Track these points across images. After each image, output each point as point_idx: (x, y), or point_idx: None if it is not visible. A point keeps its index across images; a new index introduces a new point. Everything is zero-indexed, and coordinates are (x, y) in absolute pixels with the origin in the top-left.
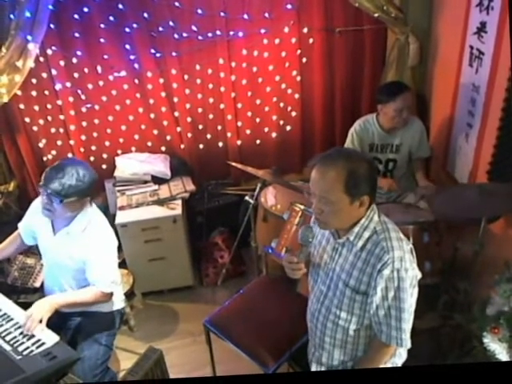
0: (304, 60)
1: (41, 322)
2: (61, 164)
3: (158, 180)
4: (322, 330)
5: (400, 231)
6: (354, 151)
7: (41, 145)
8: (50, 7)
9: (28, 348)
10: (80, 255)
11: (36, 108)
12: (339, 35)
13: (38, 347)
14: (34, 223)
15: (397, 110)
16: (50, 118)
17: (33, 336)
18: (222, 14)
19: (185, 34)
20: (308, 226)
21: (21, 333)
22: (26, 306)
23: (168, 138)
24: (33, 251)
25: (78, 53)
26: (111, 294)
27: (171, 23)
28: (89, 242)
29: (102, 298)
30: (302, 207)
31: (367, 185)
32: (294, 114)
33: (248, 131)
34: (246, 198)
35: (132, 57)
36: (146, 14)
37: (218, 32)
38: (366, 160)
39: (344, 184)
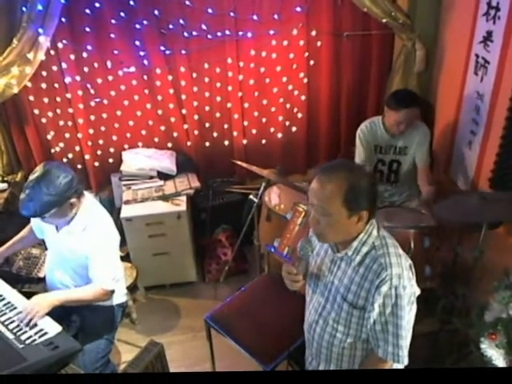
0: (311, 62)
1: (33, 319)
2: (28, 183)
3: (163, 176)
4: (318, 341)
5: (399, 247)
6: (357, 165)
7: (49, 137)
8: (62, 1)
9: (31, 337)
10: (82, 252)
11: (45, 100)
12: (347, 39)
13: (40, 336)
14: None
15: (396, 121)
16: (58, 111)
17: (36, 325)
18: (231, 13)
19: (194, 33)
20: (307, 238)
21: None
22: (29, 295)
23: (175, 134)
24: (38, 242)
25: (89, 47)
26: (112, 292)
27: (181, 21)
28: (89, 241)
29: (102, 296)
30: (306, 208)
31: (367, 200)
32: (300, 115)
33: (254, 131)
34: (250, 196)
35: (141, 53)
36: (156, 12)
37: (228, 32)
38: (368, 174)
39: (343, 197)
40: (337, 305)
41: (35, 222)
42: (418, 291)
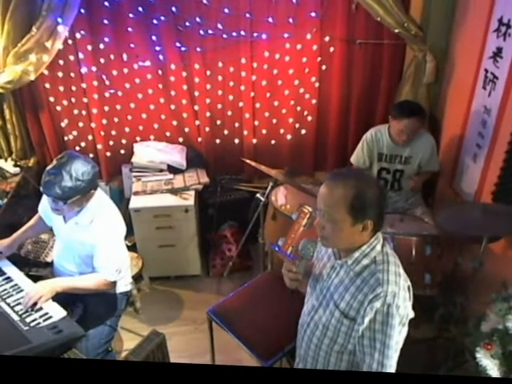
0: (323, 67)
1: (36, 304)
2: (57, 165)
3: (173, 170)
4: (307, 343)
5: (401, 266)
6: (368, 174)
7: (63, 124)
8: None
9: (35, 320)
10: (89, 243)
11: (61, 89)
12: (359, 47)
13: (45, 320)
14: (48, 208)
15: (399, 130)
16: (73, 100)
17: (41, 309)
18: (247, 15)
19: (210, 31)
20: (311, 239)
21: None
22: (36, 279)
23: (186, 130)
24: (48, 228)
25: (106, 39)
26: (114, 284)
27: (198, 19)
28: (96, 232)
29: (105, 286)
30: (311, 209)
31: (373, 209)
32: (309, 118)
33: (264, 131)
34: (258, 195)
35: (157, 48)
36: (174, 8)
37: (243, 32)
38: (378, 185)
39: (349, 203)
40: (329, 311)
41: (43, 210)
42: (411, 314)
